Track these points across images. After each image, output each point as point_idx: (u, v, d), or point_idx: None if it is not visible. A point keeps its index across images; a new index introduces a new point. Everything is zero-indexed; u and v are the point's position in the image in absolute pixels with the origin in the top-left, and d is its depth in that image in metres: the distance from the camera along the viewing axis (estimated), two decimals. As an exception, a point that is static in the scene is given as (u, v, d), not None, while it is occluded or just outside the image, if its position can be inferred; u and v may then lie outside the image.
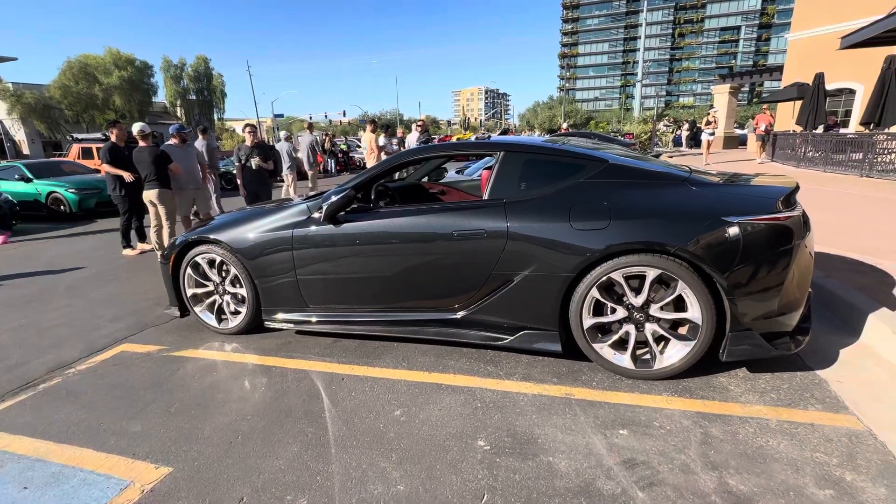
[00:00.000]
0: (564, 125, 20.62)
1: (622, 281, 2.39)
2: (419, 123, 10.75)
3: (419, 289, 2.82)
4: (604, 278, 2.39)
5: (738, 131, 24.49)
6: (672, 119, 33.58)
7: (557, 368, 2.65)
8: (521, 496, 1.72)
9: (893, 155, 9.60)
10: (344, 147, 21.26)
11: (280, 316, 3.18)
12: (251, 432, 2.21)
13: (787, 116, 16.96)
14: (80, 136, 17.30)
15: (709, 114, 15.11)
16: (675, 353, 2.40)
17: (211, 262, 3.30)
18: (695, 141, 24.17)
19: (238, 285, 3.25)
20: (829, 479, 1.73)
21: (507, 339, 2.68)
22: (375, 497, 1.76)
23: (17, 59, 25.21)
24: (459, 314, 2.78)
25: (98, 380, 2.85)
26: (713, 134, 14.35)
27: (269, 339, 3.29)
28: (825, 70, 13.06)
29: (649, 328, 2.43)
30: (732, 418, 2.11)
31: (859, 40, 11.62)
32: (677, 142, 25.44)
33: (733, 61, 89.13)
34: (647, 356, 2.48)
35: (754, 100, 70.64)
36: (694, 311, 2.31)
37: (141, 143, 5.61)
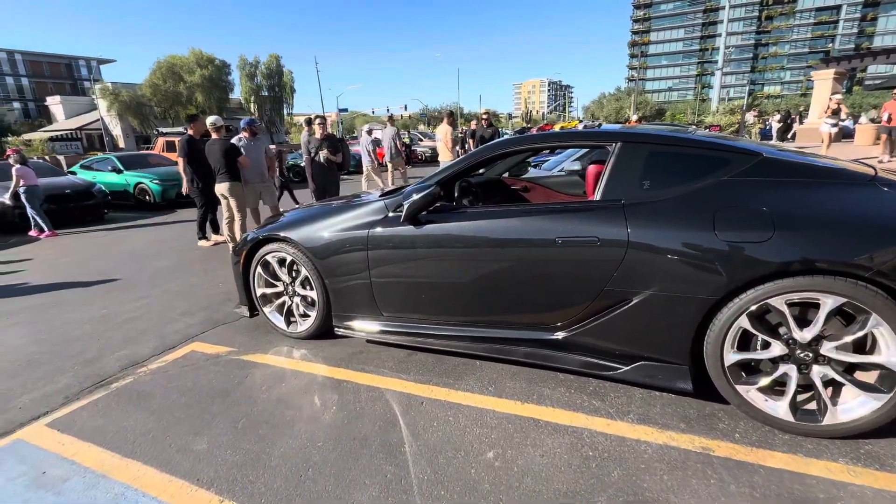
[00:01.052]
0: (634, 118, 19.17)
1: (784, 309, 1.85)
2: (484, 116, 10.30)
3: (511, 302, 2.43)
4: (759, 304, 1.87)
5: (841, 123, 21.64)
6: (757, 110, 30.55)
7: (683, 410, 2.16)
8: None
9: None
10: (407, 140, 21.23)
11: (351, 323, 2.92)
12: (323, 464, 1.93)
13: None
14: (164, 130, 18.51)
15: (830, 100, 12.49)
16: (857, 406, 1.83)
17: (281, 262, 3.10)
18: (787, 133, 21.75)
19: (308, 287, 3.02)
20: None
21: (620, 368, 2.22)
22: (475, 577, 1.40)
23: (116, 60, 27.55)
24: (559, 335, 2.35)
25: (168, 382, 2.72)
26: (837, 125, 11.81)
27: (338, 346, 3.04)
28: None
29: (818, 371, 1.88)
30: (959, 510, 1.53)
31: None
32: (766, 134, 23.01)
33: (831, 45, 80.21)
34: (813, 406, 1.93)
35: (855, 87, 63.14)
36: (891, 355, 1.73)
37: (213, 136, 5.63)
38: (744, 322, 1.91)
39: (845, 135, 19.77)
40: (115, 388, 2.69)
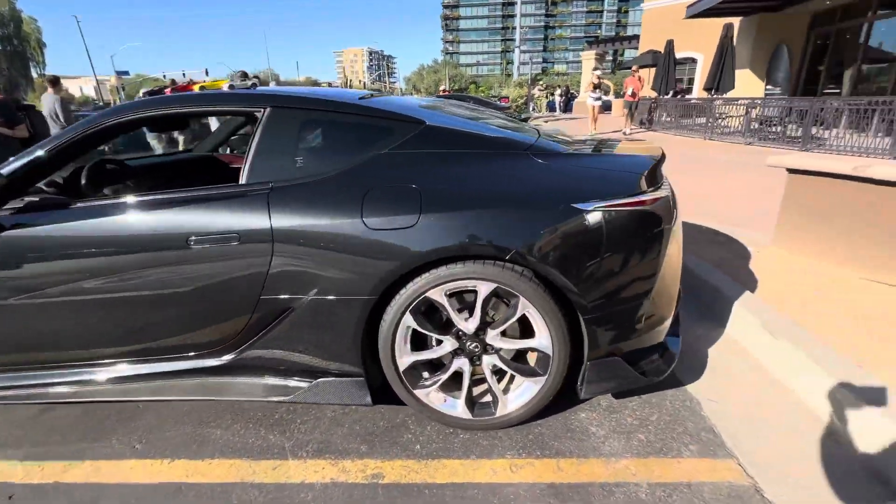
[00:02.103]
0: (441, 87, 19.87)
1: (444, 301, 1.63)
2: (252, 81, 8.74)
3: (153, 326, 1.80)
4: (419, 299, 1.62)
5: (604, 97, 25.88)
6: (544, 84, 34.62)
7: (373, 424, 1.86)
8: None
9: (729, 119, 10.48)
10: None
11: (-72, 384, 1.93)
12: None
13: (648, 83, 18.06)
14: None
15: (592, 75, 13.70)
16: (522, 392, 1.75)
17: None
18: (567, 106, 25.18)
19: None
20: None
21: (300, 388, 1.81)
22: None
23: None
24: (225, 358, 1.83)
25: None
26: (599, 99, 12.66)
27: (-75, 419, 2.02)
28: (674, 39, 13.85)
29: (487, 361, 1.74)
30: (593, 489, 1.51)
31: (701, 10, 12.42)
32: (552, 107, 26.30)
33: (599, 31, 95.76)
34: (488, 399, 1.80)
35: (616, 68, 76.98)
36: (542, 337, 1.65)
37: None
38: (409, 320, 1.65)
39: (605, 108, 23.69)
40: None
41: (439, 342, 1.73)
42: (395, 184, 1.61)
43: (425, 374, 1.80)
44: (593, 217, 1.53)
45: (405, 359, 1.72)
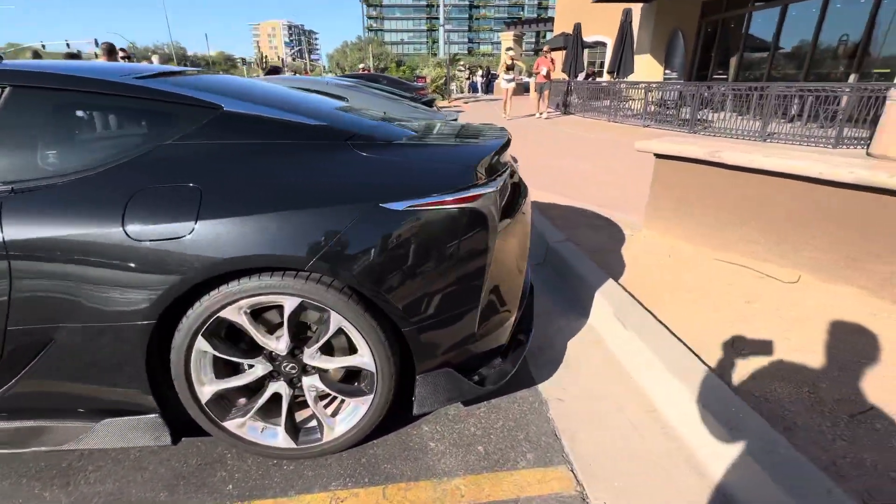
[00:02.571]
0: (361, 66, 19.10)
1: (244, 321, 1.39)
2: (100, 56, 7.40)
3: None
4: (211, 320, 1.36)
5: (525, 79, 26.29)
6: (466, 65, 34.48)
7: (182, 464, 1.59)
8: None
9: (631, 101, 10.97)
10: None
11: None
12: None
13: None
14: None
15: (505, 54, 12.82)
16: (350, 414, 1.57)
17: None
18: (488, 87, 25.31)
19: None
20: None
21: (83, 431, 1.49)
22: None
23: None
24: (-18, 402, 1.47)
25: None
26: (512, 80, 12.25)
27: None
28: (584, 23, 14.21)
29: (308, 383, 1.53)
30: (415, 519, 1.37)
31: (606, -6, 12.75)
32: (474, 87, 26.31)
33: (522, 12, 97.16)
34: (314, 423, 1.60)
35: (539, 50, 78.75)
36: (363, 354, 1.47)
37: None
38: (203, 345, 1.40)
39: (525, 89, 24.05)
40: None
41: (251, 366, 1.49)
42: (170, 183, 1.32)
43: (241, 402, 1.57)
44: (404, 218, 1.35)
45: (208, 388, 1.46)
